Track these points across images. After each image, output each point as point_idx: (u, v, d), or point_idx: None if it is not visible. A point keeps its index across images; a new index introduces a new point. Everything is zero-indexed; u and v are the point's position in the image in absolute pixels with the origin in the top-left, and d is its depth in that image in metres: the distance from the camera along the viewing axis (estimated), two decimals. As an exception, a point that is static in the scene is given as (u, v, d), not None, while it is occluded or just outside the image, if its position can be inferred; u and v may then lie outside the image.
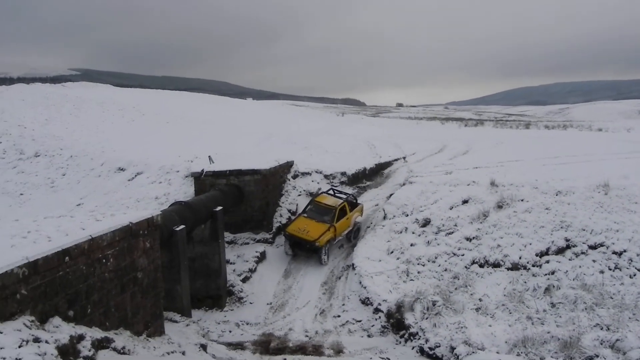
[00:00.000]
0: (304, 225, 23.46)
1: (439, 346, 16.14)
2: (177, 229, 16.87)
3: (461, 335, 15.99)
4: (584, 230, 20.45)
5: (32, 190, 29.64)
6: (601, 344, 14.96)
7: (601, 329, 15.79)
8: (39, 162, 32.24)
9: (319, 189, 29.87)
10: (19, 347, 7.86)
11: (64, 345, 8.92)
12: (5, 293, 8.25)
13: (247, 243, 24.55)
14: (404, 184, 28.31)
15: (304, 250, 23.57)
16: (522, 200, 22.97)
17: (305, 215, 24.31)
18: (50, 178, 30.72)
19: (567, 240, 20.30)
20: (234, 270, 22.47)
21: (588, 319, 16.41)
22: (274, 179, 26.92)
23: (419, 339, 16.86)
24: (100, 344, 10.38)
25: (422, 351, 16.57)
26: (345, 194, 26.80)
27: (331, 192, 26.74)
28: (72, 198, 28.31)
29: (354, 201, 26.49)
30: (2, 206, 27.58)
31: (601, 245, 19.86)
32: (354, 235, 25.43)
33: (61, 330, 9.38)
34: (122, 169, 30.55)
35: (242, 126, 47.06)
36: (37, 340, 8.35)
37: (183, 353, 13.90)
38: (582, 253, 19.84)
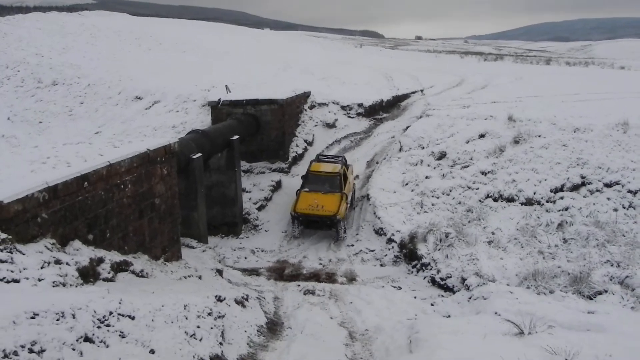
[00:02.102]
0: (314, 200, 20.44)
1: (450, 277, 16.45)
2: (194, 156, 17.01)
3: (472, 267, 16.25)
4: (600, 168, 20.41)
5: (51, 119, 29.83)
6: (611, 279, 15.15)
7: (611, 265, 15.96)
8: (57, 91, 32.32)
9: (336, 119, 29.87)
10: (41, 268, 8.08)
11: (84, 267, 9.17)
12: (26, 216, 8.43)
13: (263, 172, 24.76)
14: (420, 117, 28.19)
15: (317, 228, 20.93)
16: (539, 136, 22.85)
17: (306, 190, 21.10)
18: (68, 106, 30.85)
19: (582, 177, 20.29)
20: (249, 199, 22.77)
21: (599, 255, 16.58)
22: (291, 109, 26.90)
23: (431, 269, 17.17)
24: (119, 267, 10.66)
25: (433, 281, 16.89)
26: (335, 157, 23.98)
27: (323, 158, 23.58)
28: (90, 126, 28.51)
29: (346, 163, 23.29)
30: (21, 133, 27.85)
31: (617, 183, 19.86)
32: (352, 199, 22.89)
33: (81, 253, 9.62)
34: (139, 98, 30.60)
35: (259, 56, 46.66)
36: (58, 262, 8.57)
37: (200, 277, 14.23)
38: (597, 191, 19.87)
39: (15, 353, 5.52)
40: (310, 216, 20.24)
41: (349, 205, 21.14)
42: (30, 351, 5.71)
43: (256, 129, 24.61)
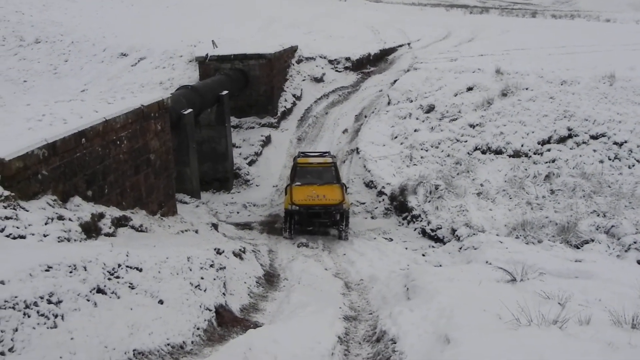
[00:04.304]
0: (312, 191, 17.11)
1: (441, 228, 16.79)
2: (185, 112, 17.05)
3: (462, 218, 16.59)
4: (586, 120, 20.65)
5: (35, 77, 29.44)
6: (597, 229, 15.51)
7: (598, 215, 16.29)
8: (40, 49, 31.79)
9: (323, 73, 29.86)
10: (45, 224, 8.21)
11: (86, 223, 9.32)
12: (27, 173, 8.51)
13: (253, 127, 24.83)
14: (408, 70, 28.17)
15: (319, 226, 17.46)
16: (526, 89, 22.99)
17: (298, 184, 17.60)
18: (52, 64, 30.44)
19: (569, 129, 20.55)
20: (240, 154, 22.89)
21: (586, 205, 16.90)
22: (279, 64, 26.85)
23: (422, 221, 17.50)
24: (119, 222, 10.82)
25: (424, 232, 17.24)
26: (321, 152, 20.44)
27: (307, 153, 20.28)
28: (76, 84, 28.22)
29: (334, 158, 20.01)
30: (6, 93, 27.44)
31: (603, 135, 20.13)
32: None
33: (82, 208, 9.75)
34: (124, 55, 30.26)
35: (244, 11, 45.99)
36: (61, 218, 8.70)
37: (196, 231, 14.44)
38: (584, 143, 20.16)
39: (36, 304, 5.71)
40: (311, 208, 16.76)
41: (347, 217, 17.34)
42: (49, 302, 5.91)
43: (245, 84, 24.58)
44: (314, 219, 17.08)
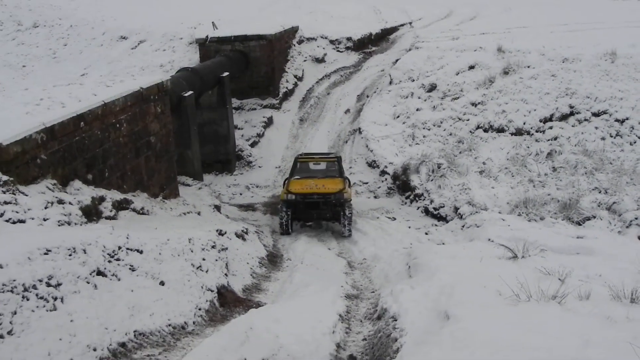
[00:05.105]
0: (311, 182, 15.91)
1: (443, 206, 16.80)
2: (186, 94, 16.99)
3: (465, 197, 16.57)
4: (588, 97, 20.53)
5: (34, 62, 29.32)
6: (599, 206, 15.54)
7: (599, 192, 16.28)
8: (39, 33, 31.62)
9: (325, 54, 29.73)
10: (45, 208, 8.25)
11: (86, 206, 9.36)
12: (26, 158, 8.53)
13: (254, 109, 24.75)
14: (410, 50, 27.96)
15: (317, 218, 16.15)
16: (528, 67, 22.84)
17: (297, 177, 16.44)
18: (51, 49, 30.28)
19: (571, 107, 20.44)
20: (242, 136, 22.85)
21: (587, 182, 16.88)
22: (280, 45, 26.70)
23: (424, 199, 17.50)
24: (121, 205, 10.86)
25: (426, 211, 17.24)
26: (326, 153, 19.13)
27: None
28: (76, 68, 28.09)
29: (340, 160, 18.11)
30: (5, 78, 27.37)
31: (604, 112, 20.03)
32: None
33: (82, 192, 9.78)
34: (124, 38, 30.10)
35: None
36: (61, 201, 8.73)
37: (199, 213, 14.49)
38: (585, 120, 20.06)
39: (34, 287, 5.75)
40: (308, 197, 15.44)
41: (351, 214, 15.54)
42: (48, 285, 5.95)
43: (245, 66, 24.47)
44: (312, 210, 15.70)
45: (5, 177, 7.92)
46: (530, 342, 5.07)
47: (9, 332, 5.20)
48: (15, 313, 5.36)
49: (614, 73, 21.67)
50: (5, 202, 7.67)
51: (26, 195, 8.18)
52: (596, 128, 19.71)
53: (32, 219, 7.85)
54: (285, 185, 16.12)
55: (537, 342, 5.05)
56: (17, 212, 7.67)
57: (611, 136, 19.39)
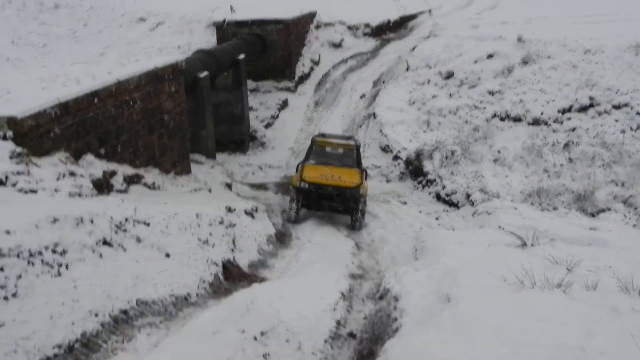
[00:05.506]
0: (326, 171, 14.95)
1: (455, 193, 16.71)
2: (201, 75, 17.08)
3: (477, 184, 16.48)
4: (609, 89, 20.21)
5: (55, 41, 29.44)
6: (614, 198, 15.38)
7: (616, 185, 16.11)
8: (60, 13, 31.68)
9: (342, 39, 29.58)
10: (57, 180, 8.36)
11: (98, 179, 9.48)
12: (40, 131, 8.69)
13: (270, 91, 24.74)
14: (428, 37, 27.77)
15: (329, 210, 15.32)
16: (548, 57, 22.54)
17: (312, 162, 15.53)
18: (71, 29, 30.38)
19: (591, 98, 20.15)
20: (256, 117, 22.90)
21: (604, 175, 16.70)
22: (297, 29, 26.67)
23: (436, 185, 17.43)
24: (132, 179, 10.99)
25: (438, 197, 17.17)
26: (344, 135, 18.64)
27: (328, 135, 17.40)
28: (95, 48, 28.21)
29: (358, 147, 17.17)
30: (27, 57, 27.57)
31: (625, 105, 19.70)
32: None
33: (94, 166, 9.88)
34: (143, 19, 30.12)
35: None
36: (72, 174, 8.83)
37: (210, 190, 14.55)
38: (605, 112, 19.75)
39: (40, 253, 5.84)
40: (322, 187, 14.57)
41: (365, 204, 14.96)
42: (54, 252, 6.02)
43: (262, 49, 24.48)
44: (324, 202, 14.95)
45: (19, 149, 8.05)
46: (531, 329, 5.05)
47: (14, 295, 5.32)
48: (20, 277, 5.48)
49: (638, 65, 21.28)
50: (19, 173, 7.78)
51: (39, 167, 8.30)
52: (616, 121, 19.39)
53: (44, 189, 7.96)
54: (299, 170, 15.17)
55: (538, 329, 5.03)
56: (29, 183, 7.79)
57: (631, 129, 19.06)
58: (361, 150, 17.88)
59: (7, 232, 5.72)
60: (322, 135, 17.00)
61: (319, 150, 15.94)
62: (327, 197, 14.75)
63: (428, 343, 4.98)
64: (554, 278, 6.41)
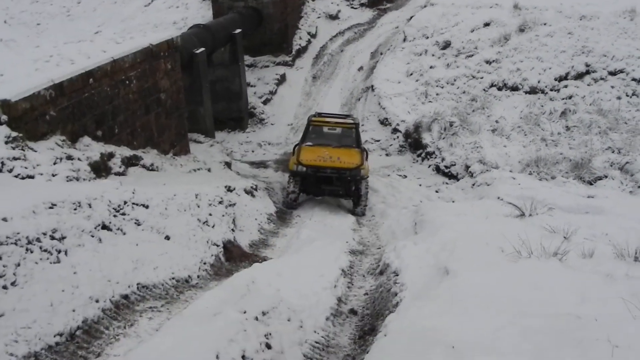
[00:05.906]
0: (324, 152, 14.23)
1: (455, 165, 16.74)
2: (197, 51, 16.85)
3: (476, 155, 16.49)
4: (605, 56, 20.14)
5: (49, 20, 29.23)
6: (611, 165, 15.38)
7: (612, 152, 16.12)
8: (53, -9, 31.52)
9: (339, 10, 29.34)
10: (54, 164, 8.27)
11: (95, 162, 9.39)
12: (35, 114, 8.54)
13: (267, 66, 24.58)
14: (425, 6, 27.49)
15: (329, 194, 14.56)
16: (544, 24, 22.38)
17: (309, 144, 14.73)
18: (65, 7, 30.15)
19: (587, 65, 20.09)
20: (254, 93, 22.77)
21: (601, 142, 16.71)
22: (293, 1, 26.40)
23: (436, 157, 17.44)
24: (130, 161, 10.91)
25: (438, 169, 17.20)
26: (342, 114, 18.16)
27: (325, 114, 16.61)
28: (89, 26, 27.99)
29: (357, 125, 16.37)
30: (20, 36, 27.35)
31: (621, 71, 19.66)
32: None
33: (91, 148, 9.80)
34: (137, -6, 29.95)
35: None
36: (70, 157, 8.75)
37: (209, 170, 14.52)
38: (601, 79, 19.72)
39: (38, 240, 5.82)
40: (321, 170, 13.87)
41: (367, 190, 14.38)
42: (52, 238, 6.01)
43: (258, 22, 24.23)
44: (324, 186, 14.16)
45: (14, 134, 7.94)
46: (526, 297, 5.10)
47: (13, 283, 5.27)
48: (18, 265, 5.43)
49: (633, 31, 21.18)
50: (15, 158, 7.69)
51: (35, 152, 8.21)
52: (612, 87, 19.39)
53: (41, 174, 7.89)
54: (296, 153, 14.57)
55: (533, 297, 5.08)
56: (25, 168, 7.71)
57: (627, 95, 19.08)
58: (360, 124, 17.83)
59: (4, 219, 5.66)
60: (319, 114, 16.29)
61: (316, 130, 15.21)
62: (327, 180, 14.07)
63: (425, 317, 5.03)
64: (550, 247, 6.47)
